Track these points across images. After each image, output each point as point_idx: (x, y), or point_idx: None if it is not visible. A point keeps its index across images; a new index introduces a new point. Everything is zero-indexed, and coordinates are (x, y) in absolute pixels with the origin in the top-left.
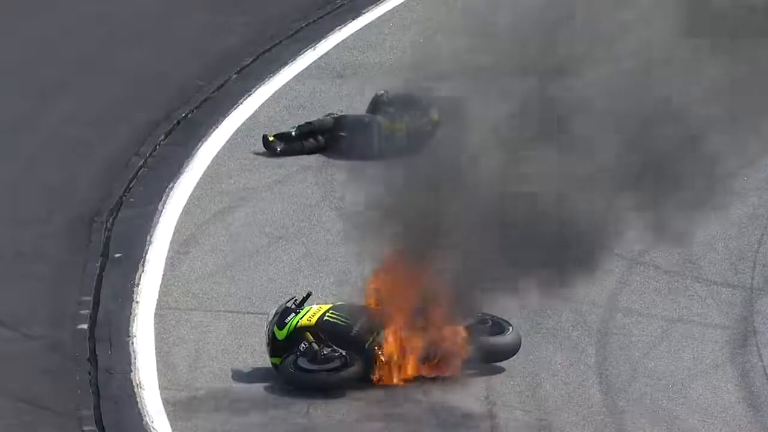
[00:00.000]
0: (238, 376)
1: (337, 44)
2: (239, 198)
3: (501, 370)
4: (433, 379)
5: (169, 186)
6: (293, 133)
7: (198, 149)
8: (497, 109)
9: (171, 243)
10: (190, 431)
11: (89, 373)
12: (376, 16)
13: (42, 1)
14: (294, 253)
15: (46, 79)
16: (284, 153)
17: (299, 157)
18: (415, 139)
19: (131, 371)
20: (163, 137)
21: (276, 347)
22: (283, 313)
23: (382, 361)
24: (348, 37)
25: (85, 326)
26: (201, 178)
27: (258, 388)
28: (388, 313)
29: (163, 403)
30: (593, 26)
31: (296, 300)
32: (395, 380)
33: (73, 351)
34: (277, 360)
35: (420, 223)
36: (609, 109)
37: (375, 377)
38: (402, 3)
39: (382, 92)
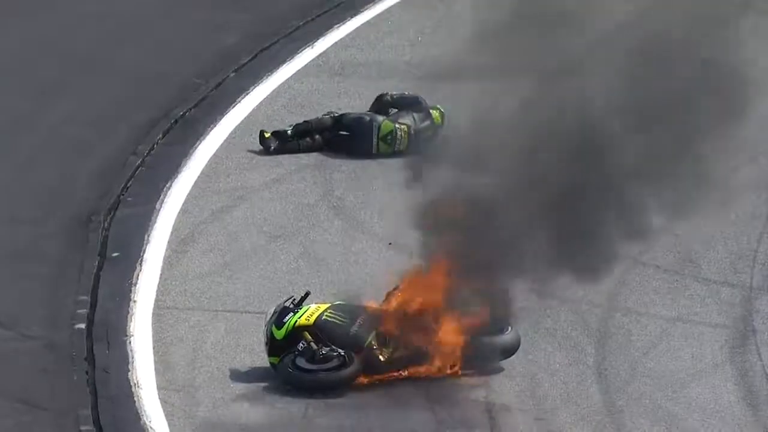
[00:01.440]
0: (236, 375)
1: (336, 42)
2: (237, 197)
3: (500, 369)
4: (432, 379)
5: (167, 185)
6: (289, 132)
7: (196, 148)
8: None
9: (169, 242)
10: (187, 431)
11: (87, 373)
12: (375, 14)
13: (42, 1)
14: (292, 252)
15: (45, 79)
16: (278, 151)
17: (297, 156)
18: (416, 140)
19: (129, 371)
20: (160, 136)
21: (274, 347)
22: (282, 313)
23: (380, 360)
24: (346, 36)
25: (82, 326)
26: (199, 177)
27: (256, 387)
28: (387, 312)
29: (161, 403)
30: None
31: (294, 299)
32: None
33: (71, 350)
34: (275, 359)
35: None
36: None
37: (365, 378)
38: (400, 1)
39: (387, 92)
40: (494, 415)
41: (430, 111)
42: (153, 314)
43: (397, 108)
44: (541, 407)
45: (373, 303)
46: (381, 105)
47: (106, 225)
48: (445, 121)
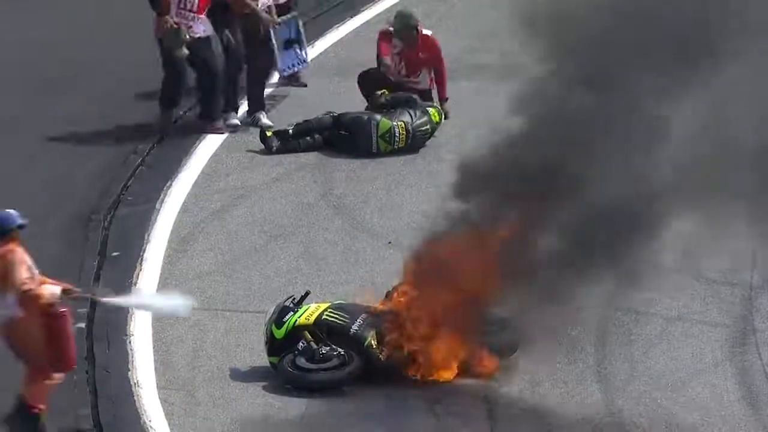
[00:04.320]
0: (236, 375)
1: (335, 42)
2: (237, 196)
3: (500, 369)
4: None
5: (167, 184)
6: (290, 131)
7: (196, 147)
8: None
9: (169, 241)
10: (188, 430)
11: (87, 372)
12: (375, 14)
13: (42, 1)
14: (292, 251)
15: (45, 79)
16: (280, 151)
17: (297, 155)
18: (414, 137)
19: (129, 370)
20: (161, 135)
21: (274, 346)
22: (282, 312)
23: (380, 360)
24: (346, 35)
25: (82, 325)
26: (199, 177)
27: (256, 387)
28: (387, 312)
29: (161, 402)
30: None
31: (294, 299)
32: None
33: None
34: (275, 359)
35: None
36: None
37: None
38: (400, 1)
39: (380, 93)
40: (494, 415)
41: (427, 108)
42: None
43: (392, 108)
44: (541, 406)
45: (373, 302)
46: (376, 107)
47: (106, 224)
48: (442, 118)
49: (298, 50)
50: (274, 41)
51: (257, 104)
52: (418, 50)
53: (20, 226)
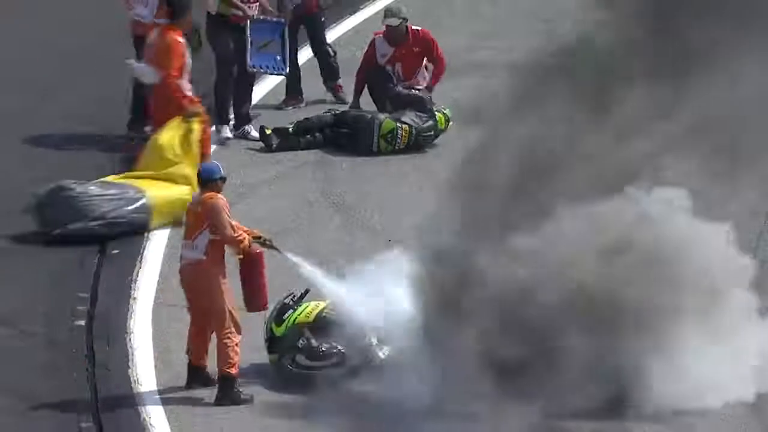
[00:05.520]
0: None
1: (335, 40)
2: (237, 194)
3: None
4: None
5: None
6: (290, 129)
7: None
8: None
9: (168, 239)
10: (187, 428)
11: (87, 370)
12: (374, 12)
13: (42, 1)
14: (292, 249)
15: (45, 75)
16: (280, 148)
17: (298, 153)
18: (416, 139)
19: (129, 367)
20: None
21: (274, 344)
22: (281, 310)
23: (381, 357)
24: (345, 33)
25: (82, 322)
26: None
27: (256, 384)
28: None
29: (161, 399)
30: None
31: (294, 296)
32: None
33: (71, 347)
34: (275, 357)
35: None
36: None
37: None
38: None
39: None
40: (495, 414)
41: (435, 113)
42: (153, 311)
43: (402, 104)
44: (542, 407)
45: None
46: (388, 96)
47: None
48: (448, 125)
49: (277, 57)
50: (249, 37)
51: (243, 119)
52: (410, 46)
53: (222, 178)
